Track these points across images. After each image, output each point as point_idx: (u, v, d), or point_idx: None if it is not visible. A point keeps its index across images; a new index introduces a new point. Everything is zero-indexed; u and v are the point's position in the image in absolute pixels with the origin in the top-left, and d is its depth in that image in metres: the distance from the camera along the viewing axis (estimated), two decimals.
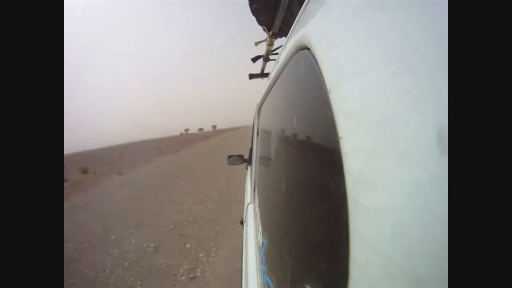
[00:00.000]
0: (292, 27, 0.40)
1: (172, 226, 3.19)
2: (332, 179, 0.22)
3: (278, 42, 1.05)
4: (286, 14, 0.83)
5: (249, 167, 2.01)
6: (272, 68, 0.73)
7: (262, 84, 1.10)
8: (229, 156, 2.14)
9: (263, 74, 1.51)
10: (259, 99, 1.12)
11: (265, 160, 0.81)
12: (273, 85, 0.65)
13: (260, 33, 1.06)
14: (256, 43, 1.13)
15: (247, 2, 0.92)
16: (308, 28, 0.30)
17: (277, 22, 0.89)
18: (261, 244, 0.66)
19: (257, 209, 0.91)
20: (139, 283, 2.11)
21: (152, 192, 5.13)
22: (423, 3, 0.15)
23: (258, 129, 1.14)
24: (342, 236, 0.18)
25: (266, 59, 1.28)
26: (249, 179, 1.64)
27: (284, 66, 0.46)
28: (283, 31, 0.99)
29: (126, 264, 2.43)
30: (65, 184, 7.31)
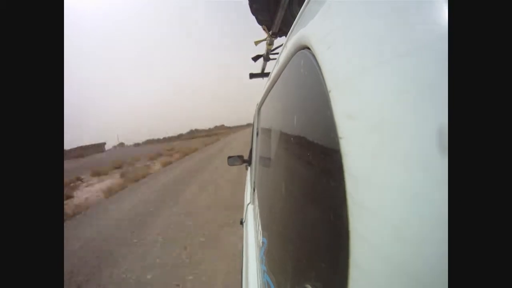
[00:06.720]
0: (292, 27, 0.40)
1: None
2: (332, 179, 0.22)
3: (278, 41, 1.05)
4: (286, 14, 0.83)
5: (249, 168, 2.01)
6: (272, 67, 0.73)
7: (262, 85, 1.10)
8: (229, 157, 2.14)
9: (263, 74, 1.51)
10: (259, 100, 1.12)
11: (265, 160, 0.81)
12: (273, 85, 0.65)
13: (261, 32, 1.06)
14: (256, 42, 1.13)
15: (247, 1, 0.92)
16: (308, 28, 0.29)
17: (277, 22, 0.89)
18: (261, 244, 0.66)
19: (257, 209, 0.91)
20: None
21: None
22: (423, 3, 0.15)
23: (258, 129, 1.14)
24: (342, 236, 0.18)
25: (267, 58, 1.28)
26: (249, 179, 1.64)
27: (284, 66, 0.46)
28: (283, 31, 0.99)
29: None
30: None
